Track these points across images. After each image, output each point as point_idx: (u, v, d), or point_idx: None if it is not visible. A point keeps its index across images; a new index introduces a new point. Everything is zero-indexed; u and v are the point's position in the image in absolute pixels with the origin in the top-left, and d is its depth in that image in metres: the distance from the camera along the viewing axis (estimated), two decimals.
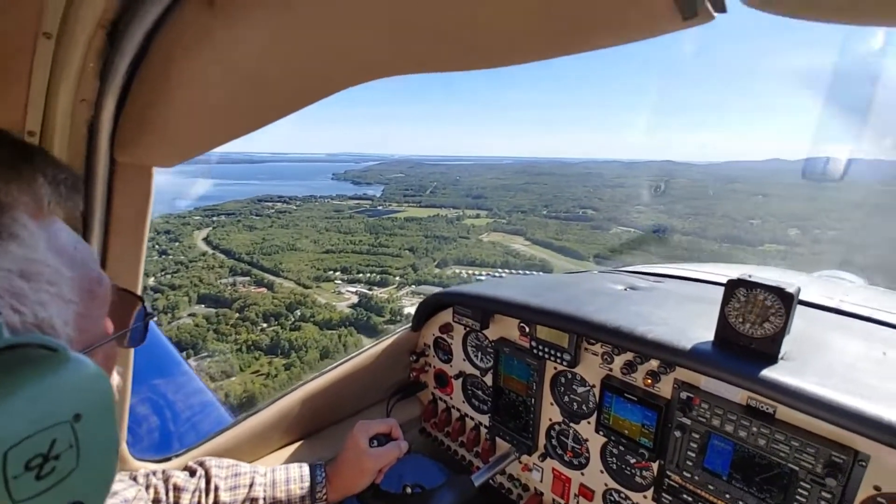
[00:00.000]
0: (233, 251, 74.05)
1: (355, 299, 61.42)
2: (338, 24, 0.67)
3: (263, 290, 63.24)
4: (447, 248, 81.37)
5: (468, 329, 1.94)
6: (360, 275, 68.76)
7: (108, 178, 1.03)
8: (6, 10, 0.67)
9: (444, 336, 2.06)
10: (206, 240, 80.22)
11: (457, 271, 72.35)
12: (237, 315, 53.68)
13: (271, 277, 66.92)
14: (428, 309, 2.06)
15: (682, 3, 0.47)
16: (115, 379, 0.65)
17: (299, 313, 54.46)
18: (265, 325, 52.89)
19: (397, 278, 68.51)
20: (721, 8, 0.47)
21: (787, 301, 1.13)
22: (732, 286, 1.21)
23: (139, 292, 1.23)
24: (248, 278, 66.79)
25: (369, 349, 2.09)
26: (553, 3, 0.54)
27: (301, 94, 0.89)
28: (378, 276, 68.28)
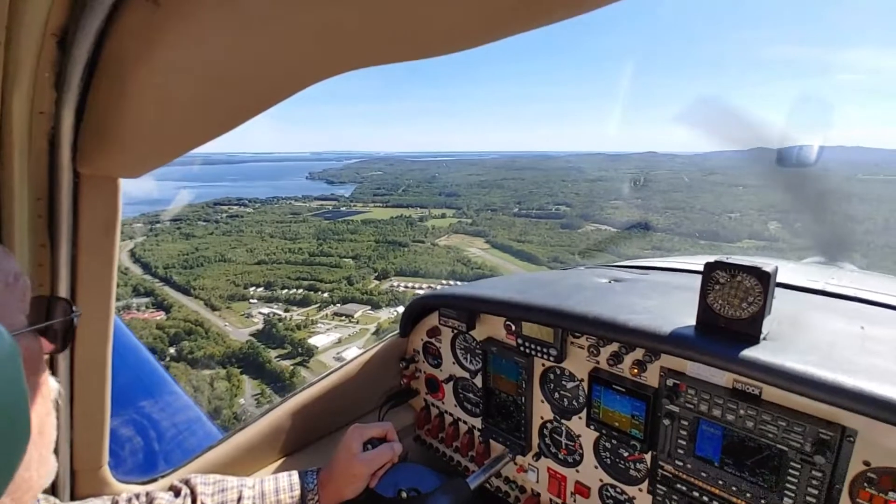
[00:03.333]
0: (151, 265, 65.84)
1: (261, 325, 51.15)
2: (294, 17, 0.67)
3: (160, 314, 52.93)
4: (394, 255, 75.38)
5: (455, 331, 1.92)
6: (285, 290, 60.20)
7: (72, 192, 1.02)
8: None
9: (433, 340, 2.04)
10: (132, 251, 70.82)
11: (394, 284, 63.48)
12: None
13: (178, 297, 57.90)
14: (414, 313, 2.04)
15: None
16: (53, 384, 0.65)
17: (173, 350, 43.13)
18: None
19: (325, 294, 59.10)
20: None
21: (764, 280, 1.13)
22: (711, 269, 1.21)
23: (112, 306, 1.21)
24: (148, 299, 56.58)
25: (358, 357, 2.07)
26: None
27: (265, 93, 0.88)
28: (302, 293, 59.18)
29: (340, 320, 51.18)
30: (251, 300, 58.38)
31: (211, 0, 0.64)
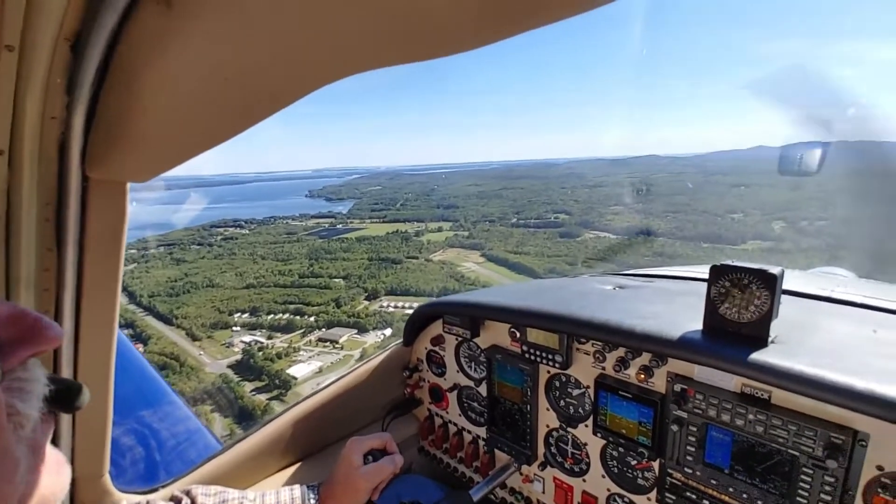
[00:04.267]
0: (136, 294, 62.24)
1: (240, 355, 47.39)
2: (303, 19, 0.68)
3: (137, 346, 49.25)
4: (385, 273, 72.31)
5: (460, 339, 1.91)
6: (270, 315, 56.45)
7: (80, 196, 1.02)
8: None
9: (437, 349, 2.03)
10: None
11: (384, 305, 59.23)
12: None
13: (159, 327, 54.26)
14: (418, 322, 2.03)
15: None
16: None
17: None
18: None
19: (311, 318, 55.19)
20: None
21: (770, 282, 1.12)
22: (716, 273, 1.20)
23: (116, 312, 1.20)
24: (128, 331, 49.06)
25: (362, 366, 2.06)
26: None
27: (275, 96, 0.89)
28: (287, 319, 55.56)
29: (325, 346, 47.92)
30: (234, 328, 55.27)
31: (222, 3, 0.65)
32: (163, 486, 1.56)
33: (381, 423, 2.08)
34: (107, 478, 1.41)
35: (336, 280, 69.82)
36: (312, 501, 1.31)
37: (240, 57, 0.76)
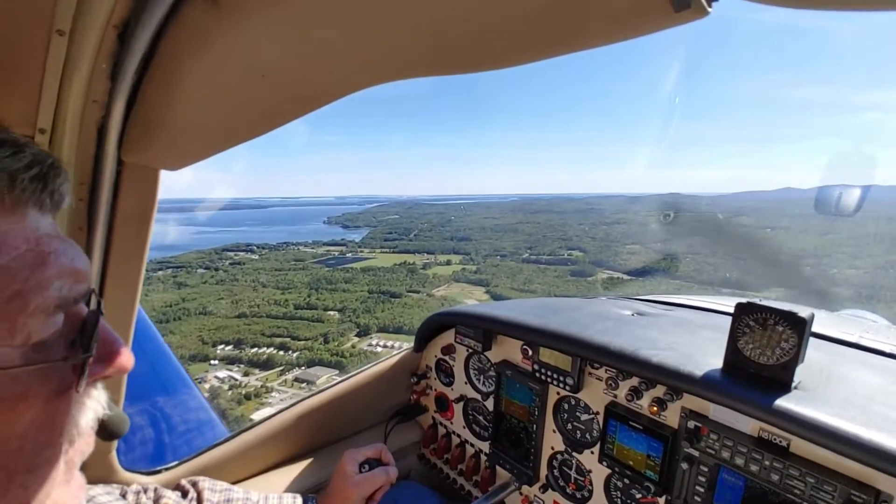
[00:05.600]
0: None
1: (206, 395, 46.25)
2: (348, 23, 0.68)
3: None
4: (381, 308, 69.45)
5: (471, 350, 1.90)
6: (254, 349, 53.74)
7: (114, 178, 1.05)
8: (22, 3, 0.69)
9: (446, 358, 2.02)
10: None
11: (372, 343, 57.24)
12: None
13: None
14: (430, 329, 2.02)
15: None
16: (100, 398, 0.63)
17: None
18: None
19: (295, 354, 52.88)
20: None
21: (799, 327, 1.08)
22: (742, 311, 1.16)
23: (137, 294, 1.23)
24: None
25: (370, 368, 2.05)
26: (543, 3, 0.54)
27: (312, 96, 0.90)
28: (269, 353, 53.02)
29: (300, 387, 44.86)
30: (212, 361, 52.52)
31: (267, 3, 0.66)
32: (167, 469, 1.58)
33: (385, 426, 2.07)
34: (113, 455, 1.43)
35: (330, 313, 67.41)
36: None
37: (280, 58, 0.76)
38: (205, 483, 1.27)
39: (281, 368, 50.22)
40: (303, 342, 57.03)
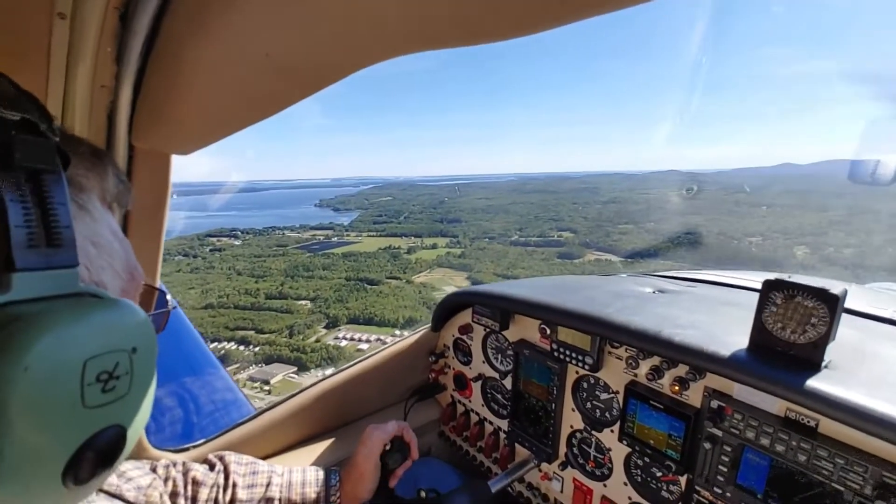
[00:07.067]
0: None
1: None
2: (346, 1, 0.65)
3: None
4: (355, 297, 64.76)
5: (488, 330, 1.89)
6: (214, 344, 48.01)
7: (126, 165, 1.05)
8: None
9: (464, 337, 2.02)
10: None
11: (339, 336, 53.35)
12: None
13: None
14: (448, 309, 2.02)
15: None
16: None
17: None
18: None
19: (255, 349, 48.94)
20: None
21: (831, 304, 1.03)
22: (769, 287, 1.12)
23: (157, 278, 1.25)
24: None
25: (388, 348, 2.07)
26: None
27: (317, 77, 0.87)
28: (227, 349, 49.57)
29: (254, 386, 41.50)
30: None
31: None
32: (194, 447, 1.63)
33: (404, 404, 2.10)
34: (143, 434, 1.48)
35: (302, 303, 64.05)
36: (334, 482, 1.35)
37: (282, 37, 0.74)
38: (231, 457, 1.31)
39: (237, 366, 46.63)
40: (266, 335, 54.17)
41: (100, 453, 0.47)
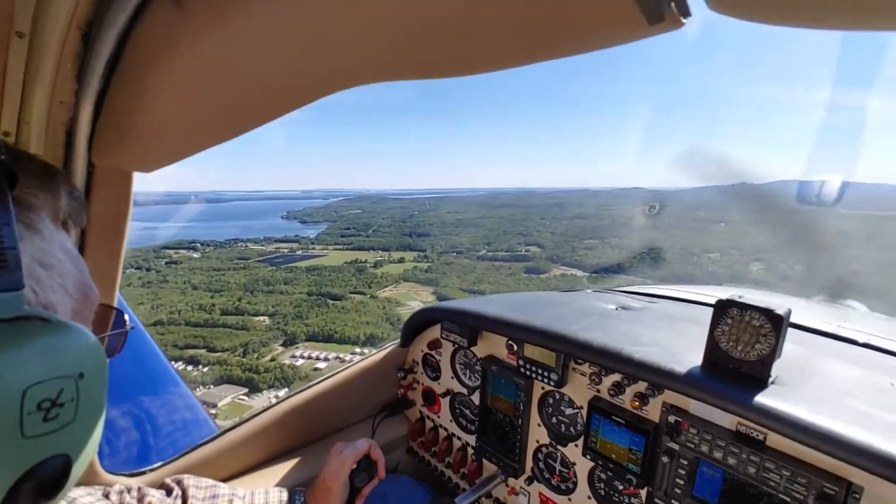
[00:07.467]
0: None
1: None
2: (310, 29, 0.66)
3: None
4: (316, 313, 62.73)
5: (456, 346, 1.90)
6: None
7: (85, 182, 1.02)
8: None
9: (433, 353, 2.02)
10: None
11: (295, 354, 50.77)
12: None
13: None
14: (417, 325, 2.03)
15: (647, 7, 0.46)
16: None
17: None
18: None
19: (205, 370, 46.33)
20: (686, 12, 0.46)
21: (776, 323, 1.09)
22: (722, 307, 1.18)
23: (115, 298, 1.21)
24: None
25: (356, 364, 2.05)
26: (528, 7, 0.53)
27: (282, 100, 0.87)
28: (173, 367, 46.16)
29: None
30: None
31: (231, 8, 0.64)
32: (150, 471, 1.57)
33: (373, 420, 2.08)
34: (95, 458, 1.41)
35: (259, 319, 61.40)
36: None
37: (246, 61, 0.74)
38: (189, 480, 1.27)
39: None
40: (218, 354, 51.09)
41: (42, 485, 0.46)
